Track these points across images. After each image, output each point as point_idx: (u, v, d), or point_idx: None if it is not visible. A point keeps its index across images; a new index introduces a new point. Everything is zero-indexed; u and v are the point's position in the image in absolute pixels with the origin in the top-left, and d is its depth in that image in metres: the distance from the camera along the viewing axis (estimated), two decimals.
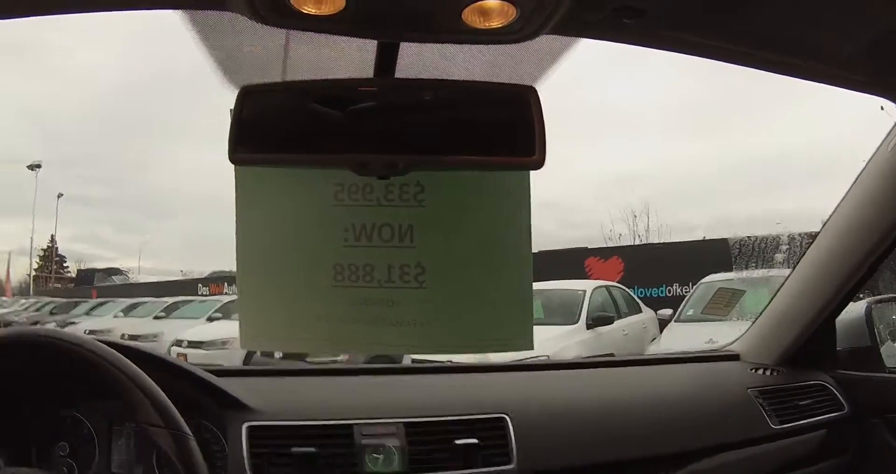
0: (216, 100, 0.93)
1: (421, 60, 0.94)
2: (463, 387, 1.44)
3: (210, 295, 17.31)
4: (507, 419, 1.23)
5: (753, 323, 1.75)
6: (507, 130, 0.82)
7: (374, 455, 1.14)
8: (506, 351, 1.09)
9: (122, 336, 10.68)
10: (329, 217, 1.06)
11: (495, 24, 0.76)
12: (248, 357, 6.11)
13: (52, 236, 40.96)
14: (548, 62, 0.97)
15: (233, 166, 0.98)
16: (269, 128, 0.83)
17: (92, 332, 11.73)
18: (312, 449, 1.13)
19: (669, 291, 10.41)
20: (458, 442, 1.18)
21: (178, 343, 9.33)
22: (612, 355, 5.45)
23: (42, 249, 41.70)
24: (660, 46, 0.96)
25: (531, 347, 1.06)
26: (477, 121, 0.83)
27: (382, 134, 0.82)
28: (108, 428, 1.19)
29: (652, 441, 1.32)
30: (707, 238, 11.32)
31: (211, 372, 1.27)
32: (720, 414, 1.43)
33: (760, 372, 1.61)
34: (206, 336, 9.10)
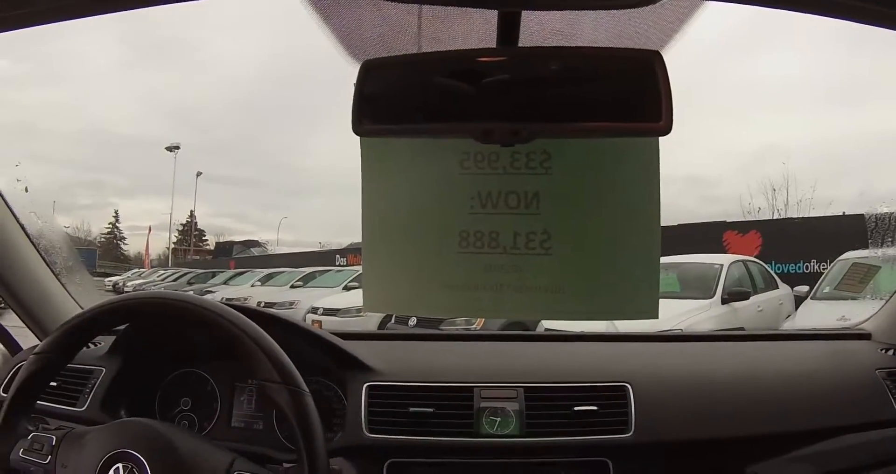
0: (350, 80, 0.96)
1: (543, 29, 0.93)
2: (586, 355, 1.42)
3: (347, 265, 17.34)
4: (629, 387, 1.21)
5: (888, 301, 1.57)
6: (633, 96, 0.78)
7: (492, 417, 1.16)
8: (631, 319, 1.07)
9: (259, 304, 10.99)
10: (455, 185, 1.08)
11: None
12: (383, 324, 6.41)
13: (190, 211, 44.75)
14: (674, 27, 0.92)
15: (359, 140, 1.02)
16: (392, 101, 0.84)
17: (228, 300, 12.65)
18: (430, 409, 1.17)
19: (807, 267, 9.63)
20: (576, 408, 1.17)
21: (314, 310, 9.58)
22: (741, 329, 5.19)
23: (181, 224, 45.82)
24: (789, 6, 0.87)
25: (656, 316, 1.03)
26: (601, 88, 0.80)
27: (506, 103, 0.80)
28: (230, 385, 1.31)
29: (773, 418, 1.24)
30: (846, 213, 10.23)
31: (337, 335, 1.33)
32: (844, 395, 1.31)
33: (892, 352, 1.45)
34: (341, 304, 9.24)
